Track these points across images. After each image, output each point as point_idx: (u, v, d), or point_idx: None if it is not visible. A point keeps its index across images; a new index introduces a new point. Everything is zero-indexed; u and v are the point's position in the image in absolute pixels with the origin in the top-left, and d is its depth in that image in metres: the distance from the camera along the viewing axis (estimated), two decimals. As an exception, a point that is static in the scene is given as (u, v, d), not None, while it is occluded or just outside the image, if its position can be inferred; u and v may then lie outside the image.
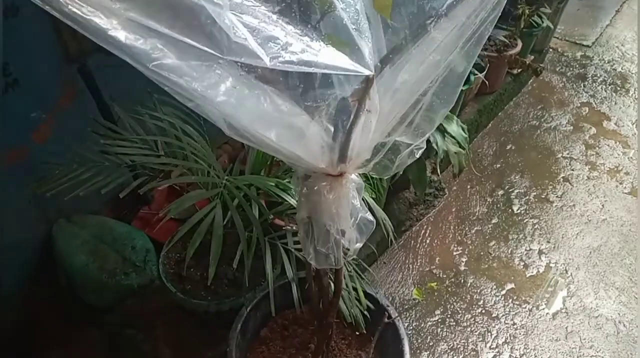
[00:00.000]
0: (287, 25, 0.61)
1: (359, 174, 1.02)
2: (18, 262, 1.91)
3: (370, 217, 1.04)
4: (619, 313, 2.12)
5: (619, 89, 3.44)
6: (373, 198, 1.63)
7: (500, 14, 0.90)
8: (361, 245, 1.07)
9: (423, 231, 2.40)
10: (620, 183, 2.73)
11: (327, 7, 0.87)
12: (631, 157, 2.89)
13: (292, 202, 1.30)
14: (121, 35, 0.62)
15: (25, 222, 1.87)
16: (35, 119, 1.78)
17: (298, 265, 1.45)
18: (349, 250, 1.06)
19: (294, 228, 1.42)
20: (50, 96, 1.79)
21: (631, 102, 3.31)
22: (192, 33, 0.58)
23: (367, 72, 0.63)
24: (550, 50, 3.73)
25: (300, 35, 0.62)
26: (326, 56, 0.62)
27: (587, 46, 3.88)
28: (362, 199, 1.02)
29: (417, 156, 1.03)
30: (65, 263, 1.90)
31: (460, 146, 2.09)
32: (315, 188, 0.97)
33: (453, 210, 2.53)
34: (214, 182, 1.25)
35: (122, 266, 1.93)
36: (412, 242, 2.35)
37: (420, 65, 0.85)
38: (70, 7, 0.59)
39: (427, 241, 2.36)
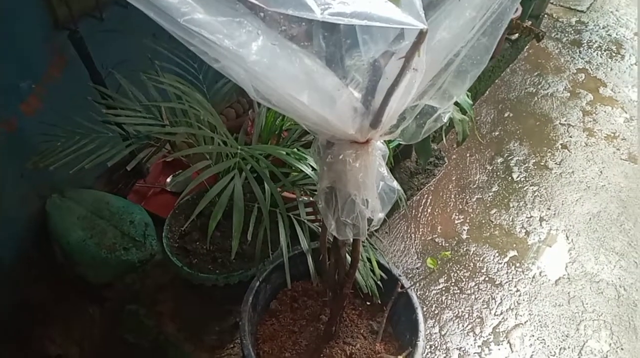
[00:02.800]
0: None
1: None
2: (11, 240, 1.84)
3: (395, 185, 1.00)
4: (619, 278, 2.14)
5: (614, 54, 3.42)
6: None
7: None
8: (384, 214, 1.03)
9: (424, 200, 2.38)
10: (618, 150, 2.73)
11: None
12: (628, 123, 2.89)
13: (308, 171, 1.25)
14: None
15: (17, 198, 1.79)
16: (23, 89, 1.68)
17: (311, 236, 1.41)
18: (371, 220, 1.03)
19: (310, 199, 1.37)
20: (38, 65, 1.70)
21: (626, 68, 3.30)
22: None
23: (421, 26, 0.58)
24: (546, 16, 3.67)
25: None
26: (379, 7, 0.56)
27: (582, 11, 3.84)
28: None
29: (445, 120, 0.99)
30: (62, 240, 1.84)
31: (464, 113, 2.05)
32: (341, 156, 0.92)
33: (453, 178, 2.50)
34: (229, 152, 1.19)
35: (121, 241, 1.87)
36: (414, 211, 2.33)
37: (458, 22, 0.79)
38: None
39: (429, 210, 2.34)
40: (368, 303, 1.56)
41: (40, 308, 1.88)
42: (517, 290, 2.07)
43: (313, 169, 1.27)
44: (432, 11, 0.78)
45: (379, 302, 1.50)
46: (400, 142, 1.10)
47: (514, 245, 2.23)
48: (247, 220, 1.28)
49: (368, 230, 1.03)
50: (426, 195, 2.41)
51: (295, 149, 1.35)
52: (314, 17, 0.53)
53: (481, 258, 2.17)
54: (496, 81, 3.13)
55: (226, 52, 0.64)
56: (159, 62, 1.38)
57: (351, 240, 1.14)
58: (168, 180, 2.19)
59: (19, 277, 1.88)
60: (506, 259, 2.18)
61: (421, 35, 0.61)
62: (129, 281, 1.89)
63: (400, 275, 1.49)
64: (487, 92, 3.04)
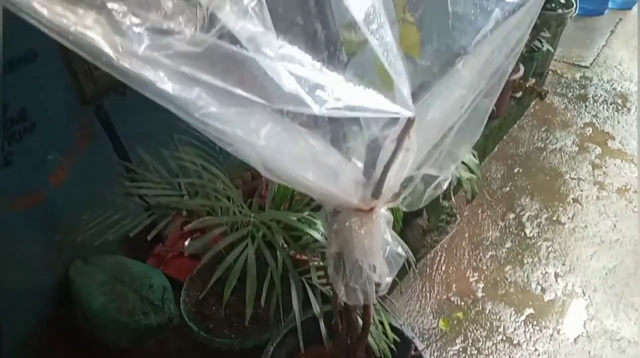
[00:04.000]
0: (331, 72, 0.63)
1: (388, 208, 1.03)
2: (34, 306, 1.90)
3: (400, 250, 1.04)
4: (641, 335, 2.10)
5: (620, 107, 3.48)
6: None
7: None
8: (392, 279, 1.07)
9: (438, 258, 2.40)
10: (630, 202, 2.73)
11: (356, 47, 0.89)
12: (639, 175, 2.91)
13: (318, 236, 1.30)
14: (168, 87, 0.64)
15: (41, 265, 1.86)
16: (52, 161, 1.79)
17: (323, 300, 1.44)
18: (379, 285, 1.06)
19: (321, 263, 1.41)
20: (66, 139, 1.81)
21: (634, 121, 3.35)
22: (244, 84, 0.59)
23: (408, 114, 0.65)
24: (550, 72, 3.78)
25: (345, 81, 0.63)
26: (369, 100, 0.64)
27: (586, 67, 3.94)
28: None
29: (444, 188, 1.04)
30: (84, 305, 1.89)
31: (472, 172, 2.11)
32: (347, 224, 0.97)
33: (466, 235, 2.52)
34: (242, 221, 1.26)
35: (141, 305, 1.91)
36: (428, 269, 2.34)
37: (448, 102, 0.86)
38: (120, 61, 0.61)
39: (443, 268, 2.35)
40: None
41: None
42: (536, 350, 2.04)
43: (323, 233, 1.32)
44: (424, 92, 0.85)
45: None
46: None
47: (530, 302, 2.22)
48: (260, 284, 1.32)
49: (377, 294, 1.06)
50: (440, 253, 2.43)
51: (306, 214, 1.41)
52: (312, 112, 0.60)
53: (498, 317, 2.16)
54: (504, 137, 3.20)
55: (238, 139, 0.71)
56: (178, 135, 1.48)
57: (362, 304, 1.17)
58: (186, 243, 2.26)
59: (41, 342, 1.92)
60: (523, 317, 2.16)
61: (409, 122, 0.68)
62: (148, 345, 1.92)
63: (413, 337, 1.50)
64: (496, 148, 3.10)
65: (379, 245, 1.00)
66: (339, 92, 0.62)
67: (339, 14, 0.84)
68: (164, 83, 0.63)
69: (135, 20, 0.54)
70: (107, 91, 1.79)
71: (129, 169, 1.42)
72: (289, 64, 0.60)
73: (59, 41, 0.59)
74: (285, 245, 1.39)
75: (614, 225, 2.59)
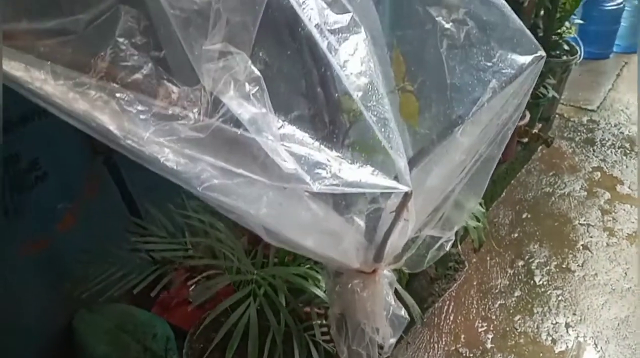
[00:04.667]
0: (330, 150, 0.64)
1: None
2: (37, 353, 1.88)
3: (403, 312, 1.04)
4: (657, 390, 2.03)
5: (628, 151, 3.48)
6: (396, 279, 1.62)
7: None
8: (395, 340, 1.06)
9: (446, 307, 2.36)
10: (641, 249, 2.70)
11: (356, 115, 0.92)
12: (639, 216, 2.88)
13: (320, 294, 1.30)
14: (173, 163, 0.66)
15: (45, 312, 1.86)
16: (61, 210, 1.81)
17: (326, 355, 1.42)
18: (382, 347, 1.05)
19: (324, 321, 1.40)
20: (76, 187, 1.84)
21: (642, 165, 3.34)
22: (245, 164, 0.61)
23: (406, 189, 0.66)
24: (557, 116, 3.81)
25: (342, 158, 0.65)
26: (366, 176, 0.65)
27: (593, 111, 3.96)
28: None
29: (447, 249, 1.04)
30: (86, 354, 1.87)
31: (478, 220, 2.10)
32: (349, 286, 0.97)
33: (474, 283, 2.49)
34: (245, 279, 1.26)
35: (143, 356, 1.89)
36: (436, 319, 2.31)
37: (447, 168, 0.88)
38: (126, 140, 0.63)
39: (451, 318, 2.32)
40: None
41: None
42: (548, 405, 1.98)
43: (326, 290, 1.32)
44: (423, 158, 0.87)
45: None
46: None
47: (541, 354, 2.16)
48: (263, 340, 1.31)
49: (380, 356, 1.05)
50: (448, 302, 2.39)
51: (309, 268, 1.41)
52: (312, 189, 0.61)
53: (508, 369, 2.11)
54: (512, 182, 3.19)
55: (239, 209, 0.73)
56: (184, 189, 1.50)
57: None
58: (190, 290, 2.25)
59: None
60: (534, 370, 2.11)
61: (406, 196, 0.69)
62: (150, 397, 1.89)
63: (419, 395, 1.46)
64: (504, 193, 3.10)
65: (382, 307, 0.99)
66: (337, 169, 0.64)
67: (340, 83, 0.87)
68: (169, 160, 0.65)
69: (141, 107, 0.56)
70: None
71: (136, 223, 1.44)
72: (289, 144, 0.62)
73: (69, 121, 0.62)
74: (288, 300, 1.38)
75: (625, 273, 2.55)
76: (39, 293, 1.79)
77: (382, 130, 0.69)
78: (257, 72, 0.60)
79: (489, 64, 0.85)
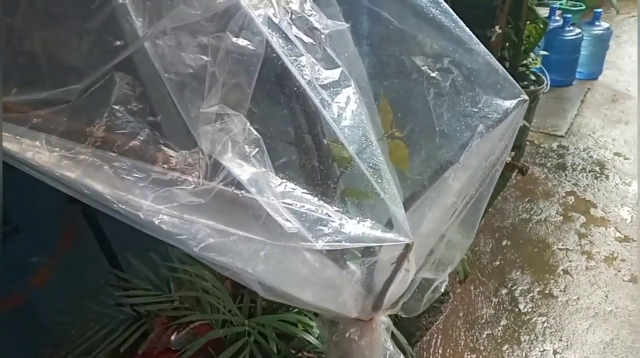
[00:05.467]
0: (330, 206, 0.64)
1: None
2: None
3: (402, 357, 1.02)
4: (647, 414, 2.04)
5: (598, 175, 3.58)
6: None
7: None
8: (394, 386, 1.04)
9: (434, 341, 2.35)
10: (619, 271, 2.75)
11: (347, 162, 0.92)
12: (624, 243, 2.94)
13: (313, 340, 1.27)
14: (168, 225, 0.64)
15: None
16: (35, 263, 1.75)
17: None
18: (382, 394, 1.03)
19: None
20: (51, 239, 1.78)
21: (612, 188, 3.44)
22: (247, 225, 0.60)
23: (407, 241, 0.66)
24: (528, 142, 3.91)
25: (342, 213, 0.65)
26: (367, 230, 0.65)
27: (561, 136, 4.09)
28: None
29: (442, 290, 1.04)
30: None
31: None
32: (346, 335, 0.96)
33: (460, 314, 2.49)
34: (237, 332, 1.23)
35: (127, 412, 1.81)
36: (425, 353, 2.29)
37: (440, 211, 0.88)
38: (119, 205, 0.61)
39: (440, 351, 2.30)
40: None
41: None
42: None
43: (318, 336, 1.30)
44: (414, 201, 0.87)
45: None
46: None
47: (532, 383, 2.16)
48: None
49: (379, 404, 1.03)
50: (435, 335, 2.38)
51: (298, 314, 1.38)
52: (315, 247, 0.61)
53: (500, 401, 2.09)
54: (490, 210, 3.24)
55: (236, 267, 0.71)
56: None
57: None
58: (172, 338, 2.18)
59: None
60: (526, 400, 2.09)
61: (407, 247, 0.69)
62: None
63: None
64: (483, 221, 3.13)
65: (380, 354, 0.98)
66: (338, 225, 0.63)
67: (329, 131, 0.87)
68: (164, 222, 0.64)
69: (139, 174, 0.55)
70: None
71: (119, 278, 1.40)
72: (290, 201, 0.61)
73: (61, 189, 0.60)
74: (279, 347, 1.35)
75: (606, 296, 2.59)
76: (17, 353, 1.70)
77: (379, 181, 0.70)
78: (256, 133, 0.60)
79: (475, 109, 0.87)
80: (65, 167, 0.57)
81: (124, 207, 0.61)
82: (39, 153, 0.55)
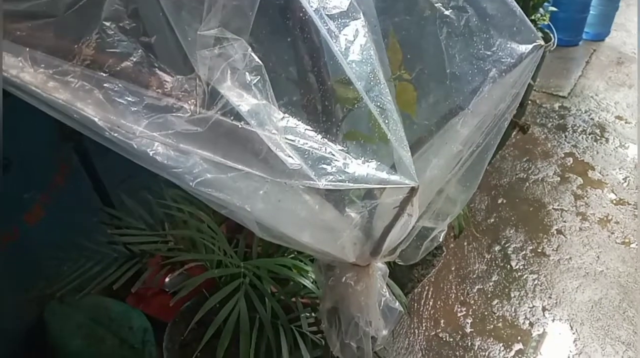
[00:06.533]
0: (334, 144, 0.61)
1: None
2: (6, 349, 1.81)
3: (397, 306, 1.02)
4: (628, 370, 2.10)
5: (598, 138, 3.55)
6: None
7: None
8: (388, 332, 1.04)
9: (425, 293, 2.38)
10: (612, 233, 2.76)
11: (351, 103, 0.88)
12: (619, 206, 2.95)
13: (308, 284, 1.27)
14: (162, 156, 0.61)
15: (15, 306, 1.78)
16: (28, 199, 1.73)
17: (312, 345, 1.40)
18: (375, 339, 1.03)
19: (313, 314, 1.38)
20: (44, 176, 1.75)
21: (612, 151, 3.41)
22: (246, 159, 0.57)
23: (413, 184, 0.63)
24: (529, 102, 3.85)
25: (347, 153, 0.62)
26: (372, 171, 0.62)
27: (564, 97, 4.02)
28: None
29: (441, 239, 1.03)
30: (60, 349, 1.81)
31: (459, 207, 2.11)
32: (343, 279, 0.95)
33: (452, 268, 2.51)
34: (233, 273, 1.22)
35: (120, 349, 1.84)
36: (415, 305, 2.32)
37: (446, 159, 0.85)
38: (113, 133, 0.58)
39: (430, 303, 2.33)
40: (374, 412, 1.52)
41: None
42: (526, 387, 2.02)
43: (314, 280, 1.29)
44: (419, 148, 0.84)
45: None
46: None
47: (519, 337, 2.20)
48: (250, 332, 1.28)
49: (373, 349, 1.03)
50: (427, 287, 2.41)
51: (293, 257, 1.38)
52: (317, 186, 0.58)
53: (487, 353, 2.13)
54: (487, 168, 3.21)
55: (234, 205, 0.69)
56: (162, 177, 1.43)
57: None
58: (167, 280, 2.19)
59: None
60: (512, 353, 2.14)
61: (413, 191, 0.66)
62: (128, 392, 1.84)
63: (405, 383, 1.46)
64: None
65: (376, 301, 0.97)
66: (342, 164, 0.60)
67: (333, 70, 0.83)
68: (158, 153, 0.61)
69: (132, 98, 0.51)
70: (89, 128, 1.75)
71: (112, 215, 1.37)
72: (292, 137, 0.58)
73: (49, 113, 0.56)
74: (274, 290, 1.35)
75: (598, 257, 2.61)
76: (10, 289, 1.71)
77: (385, 121, 0.66)
78: (258, 60, 0.56)
79: (489, 52, 0.82)
80: (53, 89, 0.53)
81: (116, 134, 0.58)
82: (23, 71, 0.51)
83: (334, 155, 0.59)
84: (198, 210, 1.32)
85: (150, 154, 0.61)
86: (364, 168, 0.61)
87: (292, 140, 0.57)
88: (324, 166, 0.58)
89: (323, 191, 0.83)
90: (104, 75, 0.53)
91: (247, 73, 0.55)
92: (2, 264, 1.67)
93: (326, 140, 0.60)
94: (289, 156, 0.56)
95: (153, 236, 1.30)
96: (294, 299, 1.34)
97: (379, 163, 0.63)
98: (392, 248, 0.89)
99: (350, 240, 0.82)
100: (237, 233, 1.58)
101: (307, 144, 0.58)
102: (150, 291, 2.16)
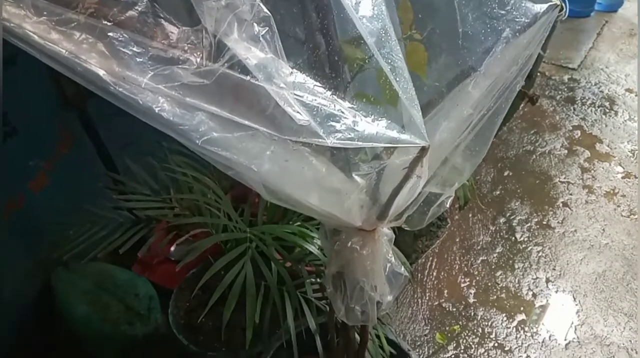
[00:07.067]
0: (343, 101, 0.59)
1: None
2: (14, 315, 1.83)
3: (403, 270, 1.01)
4: (629, 341, 2.11)
5: (607, 111, 3.50)
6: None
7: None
8: (393, 298, 1.04)
9: (429, 263, 2.38)
10: (618, 206, 2.75)
11: (359, 64, 0.86)
12: (626, 179, 2.93)
13: (314, 250, 1.27)
14: (168, 113, 0.60)
15: (22, 273, 1.80)
16: (33, 167, 1.73)
17: (317, 312, 1.41)
18: (380, 304, 1.03)
19: (317, 279, 1.38)
20: (48, 143, 1.75)
21: (621, 124, 3.37)
22: (252, 114, 0.55)
23: (423, 143, 0.62)
24: (538, 74, 3.79)
25: (356, 110, 0.60)
26: (382, 129, 0.60)
27: (573, 69, 3.96)
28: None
29: (447, 205, 1.02)
30: (66, 315, 1.83)
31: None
32: (349, 244, 0.94)
33: (457, 240, 2.52)
34: (239, 238, 1.22)
35: (126, 315, 1.86)
36: (419, 275, 2.33)
37: (456, 121, 0.84)
38: (118, 88, 0.56)
39: (434, 274, 2.34)
40: (377, 378, 1.54)
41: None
42: (528, 356, 2.04)
43: (319, 247, 1.29)
44: (430, 110, 0.82)
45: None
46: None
47: (522, 308, 2.22)
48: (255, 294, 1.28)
49: (377, 314, 1.03)
50: (431, 258, 2.41)
51: (299, 225, 1.37)
52: (325, 144, 0.56)
53: (489, 323, 2.15)
54: (494, 140, 3.19)
55: (240, 165, 0.67)
56: (167, 143, 1.42)
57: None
58: (172, 248, 2.20)
59: (22, 355, 1.86)
60: (515, 323, 2.16)
61: (423, 150, 0.64)
62: (135, 356, 1.87)
63: (409, 350, 1.48)
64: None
65: (381, 266, 0.97)
66: (352, 122, 0.59)
67: (342, 30, 0.80)
68: (164, 110, 0.59)
69: (137, 49, 0.50)
70: (91, 94, 1.73)
71: (116, 180, 1.37)
72: (301, 93, 0.56)
73: (51, 65, 0.55)
74: (279, 258, 1.35)
75: (603, 230, 2.61)
76: (16, 256, 1.72)
77: (397, 79, 0.64)
78: (266, 11, 0.54)
79: (503, 11, 0.80)
80: (56, 40, 0.51)
81: (121, 89, 0.56)
82: (25, 20, 0.49)
83: (343, 112, 0.58)
84: (203, 176, 1.31)
85: (156, 111, 0.59)
86: (373, 126, 0.60)
87: (300, 96, 0.55)
88: (333, 123, 0.57)
89: (330, 154, 0.82)
90: (108, 24, 0.51)
91: (255, 24, 0.53)
92: (8, 232, 1.68)
93: (335, 97, 0.58)
94: (297, 112, 0.55)
95: (158, 202, 1.30)
96: (300, 266, 1.34)
97: (389, 121, 0.61)
98: (399, 212, 0.88)
99: (357, 203, 0.81)
100: (243, 203, 1.58)
101: (315, 100, 0.57)
102: (155, 259, 2.17)
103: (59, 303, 1.84)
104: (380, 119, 0.62)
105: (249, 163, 0.66)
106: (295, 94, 0.55)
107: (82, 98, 1.72)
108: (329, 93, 0.58)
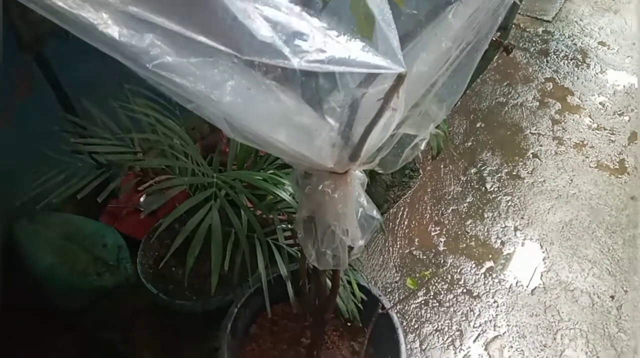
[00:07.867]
0: (312, 18, 0.54)
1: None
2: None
3: (375, 213, 0.99)
4: (592, 286, 2.18)
5: (580, 63, 3.50)
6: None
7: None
8: (365, 242, 1.02)
9: (400, 213, 2.39)
10: (587, 158, 2.79)
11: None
12: (595, 131, 2.96)
13: (285, 196, 1.23)
14: (114, 31, 0.54)
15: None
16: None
17: (289, 259, 1.39)
18: (352, 248, 1.01)
19: (289, 226, 1.35)
20: (4, 88, 1.64)
21: (592, 77, 3.38)
22: (207, 30, 0.49)
23: (400, 70, 0.57)
24: (513, 26, 3.74)
25: (327, 29, 0.55)
26: (355, 52, 0.55)
27: (548, 21, 3.92)
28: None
29: (422, 148, 0.99)
30: (30, 267, 1.77)
31: (438, 127, 2.07)
32: (319, 187, 0.91)
33: (428, 190, 2.52)
34: (205, 182, 1.17)
35: (94, 266, 1.82)
36: (391, 224, 2.34)
37: (435, 54, 0.79)
38: (57, 2, 0.49)
39: (405, 223, 2.35)
40: (349, 324, 1.55)
41: (7, 337, 1.81)
42: (495, 301, 2.09)
43: (291, 194, 1.26)
44: (408, 42, 0.77)
45: (360, 323, 1.49)
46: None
47: (490, 255, 2.26)
48: (224, 245, 1.25)
49: (349, 258, 1.01)
50: (402, 208, 2.42)
51: (272, 173, 1.33)
52: (291, 65, 0.51)
53: (459, 270, 2.19)
54: (467, 92, 3.17)
55: (199, 95, 0.62)
56: (129, 85, 1.34)
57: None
58: (142, 199, 2.14)
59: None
60: (483, 270, 2.20)
61: (400, 78, 0.60)
62: (104, 307, 1.83)
63: (380, 296, 1.49)
64: (459, 102, 3.08)
65: (353, 209, 0.94)
66: (321, 42, 0.54)
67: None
68: (108, 26, 0.53)
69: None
70: (48, 36, 1.62)
71: (75, 124, 1.29)
72: (263, 7, 0.51)
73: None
74: (249, 205, 1.31)
75: (571, 180, 2.65)
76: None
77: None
78: None
79: None
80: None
81: (61, 4, 0.50)
82: None
83: (312, 31, 0.53)
84: (167, 119, 1.24)
85: (99, 29, 0.53)
86: (346, 48, 0.55)
87: (261, 10, 0.50)
88: (300, 43, 0.52)
89: (299, 87, 0.77)
90: None
91: None
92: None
93: (304, 13, 0.53)
94: (258, 27, 0.49)
95: (119, 146, 1.23)
96: (271, 215, 1.31)
97: (364, 44, 0.56)
98: (372, 152, 0.84)
99: (328, 141, 0.77)
100: (211, 152, 1.52)
101: (281, 15, 0.51)
102: (124, 210, 2.12)
103: (21, 256, 1.77)
104: (354, 39, 0.56)
105: (208, 92, 0.61)
106: (256, 7, 0.50)
107: (40, 40, 1.61)
108: (297, 8, 0.53)
